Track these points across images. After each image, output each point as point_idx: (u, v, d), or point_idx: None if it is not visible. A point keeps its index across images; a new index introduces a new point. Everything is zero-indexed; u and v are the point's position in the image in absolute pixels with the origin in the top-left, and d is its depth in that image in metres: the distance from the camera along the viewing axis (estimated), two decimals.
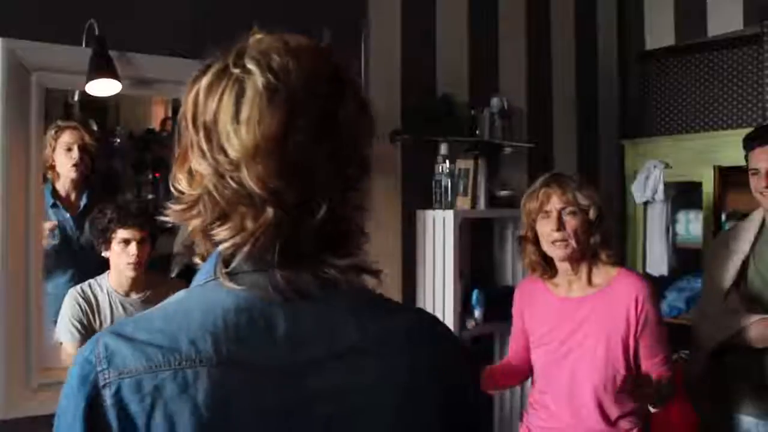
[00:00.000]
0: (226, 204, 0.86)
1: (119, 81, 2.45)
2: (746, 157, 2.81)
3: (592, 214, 2.35)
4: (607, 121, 4.38)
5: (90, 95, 2.48)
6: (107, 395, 0.81)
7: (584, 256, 2.39)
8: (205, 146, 0.85)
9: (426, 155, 3.40)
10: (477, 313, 3.45)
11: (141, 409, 0.80)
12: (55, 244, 2.56)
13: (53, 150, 2.54)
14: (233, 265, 0.87)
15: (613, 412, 2.33)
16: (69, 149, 2.57)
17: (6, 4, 2.40)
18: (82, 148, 2.60)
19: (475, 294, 3.47)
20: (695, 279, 3.72)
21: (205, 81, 0.88)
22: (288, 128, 0.83)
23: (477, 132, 3.54)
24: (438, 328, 0.99)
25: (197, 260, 0.94)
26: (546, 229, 2.37)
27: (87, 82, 2.40)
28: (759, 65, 3.74)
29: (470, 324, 3.40)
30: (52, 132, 2.53)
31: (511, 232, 3.72)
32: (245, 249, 0.86)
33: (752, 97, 3.82)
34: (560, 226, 2.33)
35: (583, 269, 2.41)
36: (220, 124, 0.84)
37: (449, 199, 3.34)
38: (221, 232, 0.87)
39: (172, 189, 0.91)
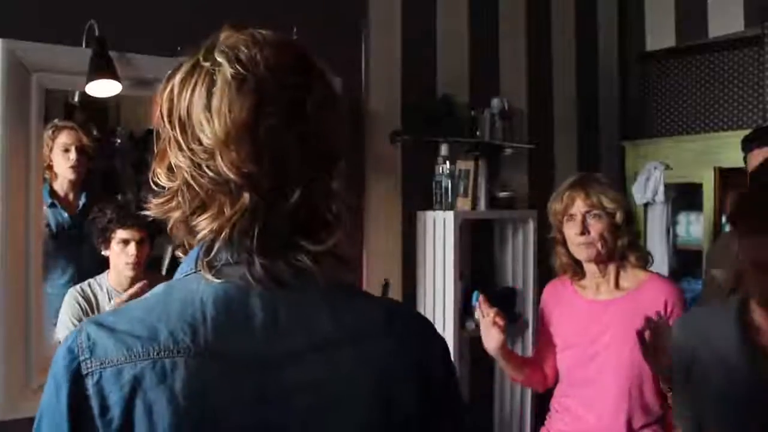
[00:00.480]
0: (204, 193, 0.89)
1: (119, 81, 2.46)
2: (745, 159, 2.81)
3: (618, 217, 2.32)
4: (607, 122, 4.37)
5: (90, 96, 2.48)
6: (89, 384, 0.83)
7: (611, 258, 2.35)
8: (180, 138, 0.89)
9: (426, 156, 3.40)
10: (477, 314, 3.44)
11: (120, 397, 0.82)
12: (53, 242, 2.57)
13: (50, 150, 2.54)
14: (213, 254, 0.89)
15: (638, 418, 2.28)
16: (66, 150, 2.57)
17: (6, 5, 2.40)
18: (80, 150, 2.60)
19: (475, 295, 3.46)
20: (696, 281, 3.72)
21: (178, 77, 0.92)
22: (257, 115, 0.86)
23: (477, 133, 3.54)
24: (414, 319, 1.01)
25: (179, 254, 0.96)
26: (571, 233, 2.35)
27: (87, 83, 2.40)
28: (760, 66, 3.74)
29: (470, 325, 3.40)
30: (50, 132, 2.53)
31: (512, 233, 3.72)
32: (224, 234, 0.88)
33: (753, 99, 3.82)
34: (584, 230, 2.31)
35: (611, 272, 2.37)
36: (194, 115, 0.88)
37: (449, 200, 3.34)
38: (201, 222, 0.89)
39: (152, 185, 0.94)
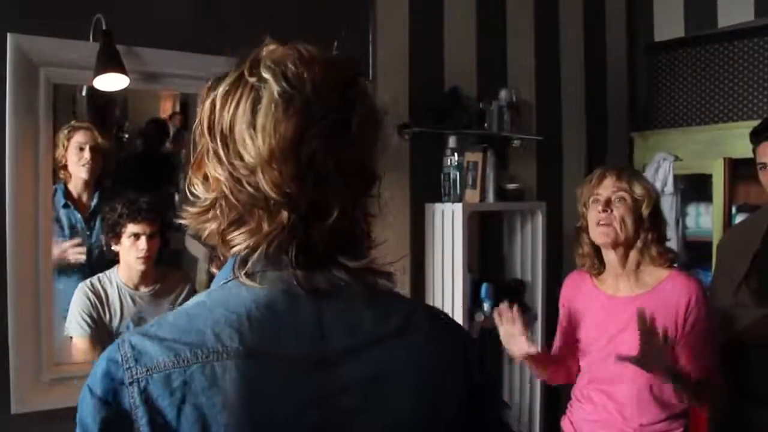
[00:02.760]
0: (242, 207, 0.88)
1: (127, 75, 2.45)
2: (754, 151, 2.79)
3: (645, 206, 2.28)
4: (616, 113, 4.36)
5: (98, 90, 2.49)
6: (134, 392, 0.82)
7: (631, 248, 2.32)
8: (221, 152, 0.88)
9: (434, 148, 3.39)
10: (486, 306, 3.44)
11: (170, 403, 0.81)
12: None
13: (66, 149, 2.54)
14: (249, 266, 0.89)
15: (659, 413, 2.27)
16: (81, 149, 2.58)
17: (14, 0, 2.40)
18: (94, 149, 2.60)
19: (484, 287, 3.47)
20: (705, 273, 3.71)
21: (221, 89, 0.90)
22: (302, 135, 0.85)
23: (485, 125, 3.53)
24: (453, 326, 1.03)
25: (214, 270, 0.96)
26: (593, 213, 2.32)
27: (94, 77, 2.40)
28: None
29: (479, 317, 3.40)
30: (66, 131, 2.54)
31: (520, 225, 3.71)
32: (261, 250, 0.88)
33: (762, 89, 3.80)
34: (606, 207, 2.28)
35: (632, 265, 2.33)
36: (237, 131, 0.87)
37: (458, 192, 3.34)
38: (238, 236, 0.89)
39: (188, 193, 0.94)
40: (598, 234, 2.31)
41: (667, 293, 2.24)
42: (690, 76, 4.12)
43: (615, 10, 4.36)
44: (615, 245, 2.31)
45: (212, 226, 0.92)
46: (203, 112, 0.91)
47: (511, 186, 3.59)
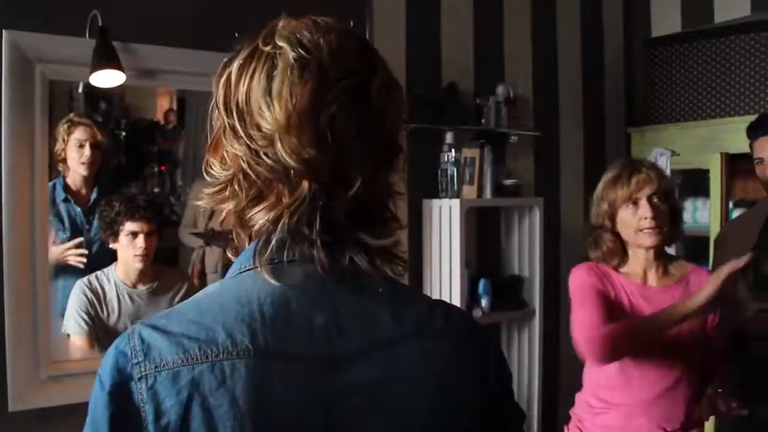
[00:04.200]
0: (261, 182, 0.86)
1: (123, 72, 2.45)
2: (750, 146, 2.80)
3: (673, 203, 2.29)
4: (613, 108, 4.35)
5: (94, 87, 2.48)
6: (143, 388, 0.80)
7: (665, 242, 2.31)
8: (238, 126, 0.86)
9: (431, 144, 3.39)
10: (484, 302, 3.45)
11: (177, 402, 0.79)
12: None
13: (65, 144, 2.54)
14: (270, 250, 0.86)
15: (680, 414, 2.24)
16: (81, 146, 2.57)
17: None
18: (94, 146, 2.60)
19: (482, 283, 3.47)
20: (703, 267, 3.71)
21: (236, 64, 0.88)
22: (319, 100, 0.83)
23: (482, 120, 3.53)
24: (472, 323, 0.99)
25: (230, 255, 0.94)
26: (633, 218, 2.24)
27: (91, 74, 2.40)
28: (766, 51, 3.71)
29: (477, 313, 3.40)
30: (65, 126, 2.54)
31: (517, 220, 3.71)
32: (282, 225, 0.85)
33: (760, 84, 3.80)
34: (655, 212, 2.21)
35: (661, 259, 2.31)
36: (253, 101, 0.85)
37: (455, 187, 3.34)
38: (258, 213, 0.86)
39: (204, 174, 0.92)
40: (644, 239, 2.24)
41: (693, 286, 2.24)
42: (687, 72, 4.12)
43: (612, 6, 4.36)
44: (657, 247, 2.27)
45: (230, 205, 0.89)
46: (218, 90, 0.89)
47: (509, 182, 3.59)
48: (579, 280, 2.33)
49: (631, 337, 2.13)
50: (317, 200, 0.84)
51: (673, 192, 2.30)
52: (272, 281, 0.85)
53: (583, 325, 2.19)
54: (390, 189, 0.92)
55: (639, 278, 2.30)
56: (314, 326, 0.85)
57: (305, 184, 0.84)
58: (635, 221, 2.24)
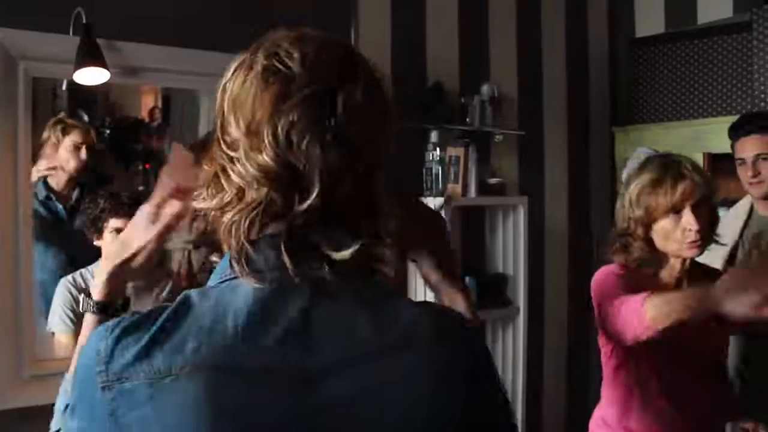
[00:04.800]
0: (234, 187, 0.86)
1: (107, 70, 2.44)
2: (732, 147, 2.82)
3: (714, 208, 2.06)
4: (597, 108, 4.38)
5: (78, 84, 2.47)
6: (107, 397, 0.80)
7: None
8: (218, 132, 0.89)
9: (416, 143, 3.39)
10: None
11: (137, 417, 0.79)
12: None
13: (58, 144, 2.54)
14: (245, 259, 0.85)
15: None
16: (77, 148, 2.58)
17: None
18: (90, 148, 2.61)
19: (466, 281, 3.47)
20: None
21: (228, 74, 0.90)
22: (279, 107, 0.83)
23: (467, 120, 3.54)
24: (464, 331, 0.94)
25: (215, 259, 0.94)
26: (676, 229, 1.99)
27: (75, 71, 2.39)
28: (748, 53, 3.75)
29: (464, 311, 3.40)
30: (60, 127, 2.54)
31: (502, 219, 3.72)
32: (251, 234, 0.85)
33: (741, 85, 3.83)
34: (701, 225, 1.97)
35: (693, 266, 2.10)
36: (226, 107, 0.88)
37: (440, 186, 3.34)
38: (227, 216, 0.86)
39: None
40: (686, 251, 2.01)
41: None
42: (671, 72, 4.15)
43: (596, 6, 4.38)
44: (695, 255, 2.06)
45: (208, 205, 0.89)
46: (217, 101, 0.91)
47: (493, 180, 3.60)
48: (602, 276, 2.11)
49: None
50: (278, 208, 0.84)
51: (714, 196, 2.06)
52: (248, 290, 0.84)
53: (626, 319, 1.90)
54: (364, 201, 0.89)
55: (669, 284, 2.08)
56: (290, 341, 0.83)
57: (264, 190, 0.84)
58: (678, 233, 1.99)
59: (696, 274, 2.09)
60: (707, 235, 2.01)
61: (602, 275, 2.11)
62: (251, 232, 0.85)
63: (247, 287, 0.84)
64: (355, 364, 0.84)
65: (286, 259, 0.83)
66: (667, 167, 2.02)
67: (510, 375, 3.66)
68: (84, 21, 2.43)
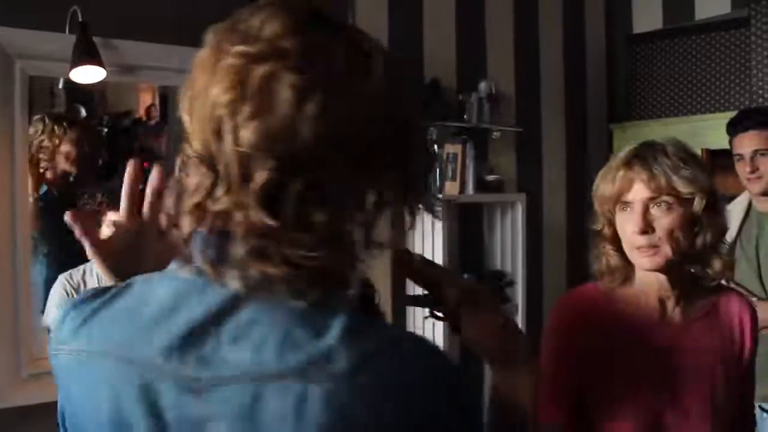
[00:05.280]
0: (182, 175, 0.80)
1: (103, 68, 2.43)
2: (730, 142, 2.82)
3: (697, 205, 1.52)
4: (595, 104, 4.38)
5: (75, 83, 2.47)
6: (53, 361, 0.85)
7: (687, 261, 1.57)
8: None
9: None
10: None
11: (68, 386, 0.83)
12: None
13: (59, 141, 2.55)
14: (189, 251, 0.79)
15: None
16: (74, 146, 2.58)
17: None
18: (88, 146, 2.61)
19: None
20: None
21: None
22: (211, 87, 0.75)
23: (465, 117, 3.54)
24: (410, 369, 0.75)
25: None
26: (626, 229, 1.57)
27: (71, 70, 2.38)
28: (746, 48, 3.75)
29: None
30: (64, 124, 2.54)
31: (500, 216, 3.72)
32: (198, 224, 0.77)
33: (739, 80, 3.83)
34: (646, 226, 1.52)
35: (685, 284, 1.60)
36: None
37: (437, 183, 3.34)
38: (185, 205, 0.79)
39: None
40: (639, 260, 1.57)
41: (723, 318, 1.63)
42: (668, 68, 4.15)
43: (594, 2, 4.38)
44: (666, 270, 1.57)
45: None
46: None
47: (491, 177, 3.61)
48: (547, 331, 1.69)
49: None
50: (219, 195, 0.75)
51: (700, 194, 1.53)
52: (174, 282, 0.80)
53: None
54: (318, 202, 0.74)
55: (656, 310, 1.61)
56: (187, 341, 0.76)
57: (206, 172, 0.76)
58: (628, 235, 1.57)
59: (694, 292, 1.62)
60: (670, 242, 1.52)
61: (550, 317, 1.71)
62: (199, 223, 0.77)
63: (178, 277, 0.80)
64: (246, 382, 0.73)
65: (213, 254, 0.76)
66: (626, 154, 1.59)
67: None
68: (80, 19, 2.43)
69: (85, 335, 0.81)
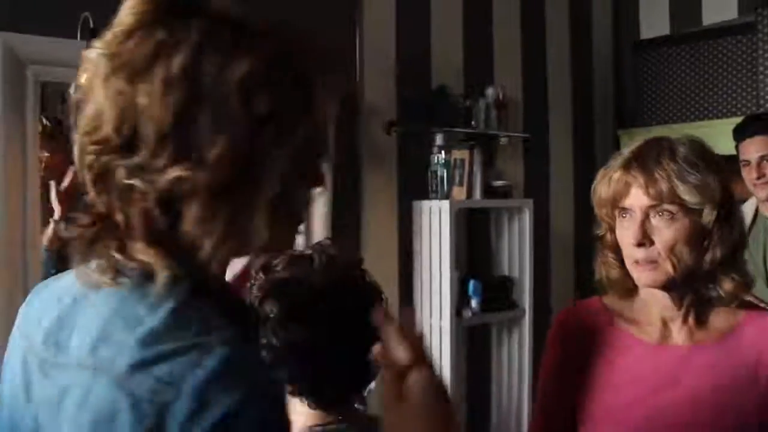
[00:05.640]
0: None
1: None
2: (737, 148, 2.83)
3: (706, 216, 1.34)
4: (602, 110, 4.39)
5: None
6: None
7: (692, 280, 1.39)
8: None
9: (421, 146, 3.40)
10: (474, 303, 3.46)
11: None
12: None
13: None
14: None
15: None
16: None
17: None
18: None
19: (471, 284, 3.48)
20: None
21: None
22: (93, 82, 0.80)
23: (472, 122, 3.54)
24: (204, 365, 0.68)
25: None
26: (625, 239, 1.40)
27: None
28: (753, 54, 3.75)
29: (467, 314, 3.42)
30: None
31: (507, 222, 3.73)
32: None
33: (747, 86, 3.84)
34: (644, 237, 1.35)
35: (693, 303, 1.42)
36: None
37: (445, 189, 3.35)
38: None
39: None
40: (636, 275, 1.40)
41: (744, 346, 1.39)
42: (675, 74, 4.16)
43: (601, 8, 4.39)
44: (668, 287, 1.40)
45: None
46: None
47: (498, 183, 3.61)
48: (546, 345, 1.61)
49: None
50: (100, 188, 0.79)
51: (710, 204, 1.34)
52: (66, 276, 0.86)
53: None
54: (117, 184, 0.76)
55: (656, 331, 1.45)
56: (55, 326, 0.80)
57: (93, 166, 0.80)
58: (626, 244, 1.41)
59: (706, 313, 1.43)
60: (677, 260, 1.34)
61: (556, 328, 1.59)
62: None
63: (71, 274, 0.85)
64: (65, 370, 0.76)
65: (80, 247, 0.78)
66: (628, 154, 1.41)
67: (516, 377, 3.66)
68: (91, 25, 2.45)
69: (21, 316, 0.89)
